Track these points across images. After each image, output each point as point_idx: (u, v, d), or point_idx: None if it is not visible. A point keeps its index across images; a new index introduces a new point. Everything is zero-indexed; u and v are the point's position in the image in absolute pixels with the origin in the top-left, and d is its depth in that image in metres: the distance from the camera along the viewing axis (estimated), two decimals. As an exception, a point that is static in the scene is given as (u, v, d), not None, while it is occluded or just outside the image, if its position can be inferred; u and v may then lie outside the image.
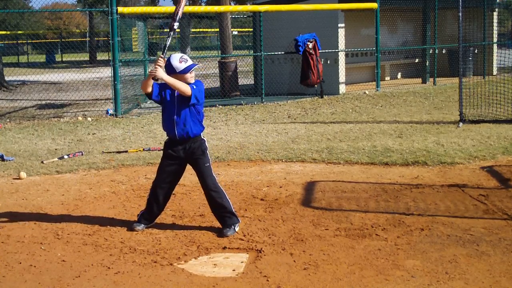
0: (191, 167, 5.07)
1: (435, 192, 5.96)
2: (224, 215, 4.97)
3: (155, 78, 4.77)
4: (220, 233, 4.91)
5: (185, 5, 5.26)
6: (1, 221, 5.41)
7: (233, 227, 4.94)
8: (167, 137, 5.06)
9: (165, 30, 44.15)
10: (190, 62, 4.91)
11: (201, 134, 5.03)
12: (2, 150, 8.62)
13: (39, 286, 4.02)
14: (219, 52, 20.22)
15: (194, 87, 4.85)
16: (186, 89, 4.77)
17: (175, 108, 4.88)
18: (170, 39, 5.05)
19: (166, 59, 4.86)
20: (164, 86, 4.93)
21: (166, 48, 4.97)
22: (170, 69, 4.85)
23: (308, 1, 15.27)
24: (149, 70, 4.83)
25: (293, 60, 15.55)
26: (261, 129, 10.13)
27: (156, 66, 4.75)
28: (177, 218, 5.41)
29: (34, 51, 42.49)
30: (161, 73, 4.75)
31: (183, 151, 4.95)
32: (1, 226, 5.26)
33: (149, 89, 4.85)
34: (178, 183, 5.25)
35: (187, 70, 4.85)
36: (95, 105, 14.76)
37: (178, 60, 4.86)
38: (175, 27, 5.11)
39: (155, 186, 5.10)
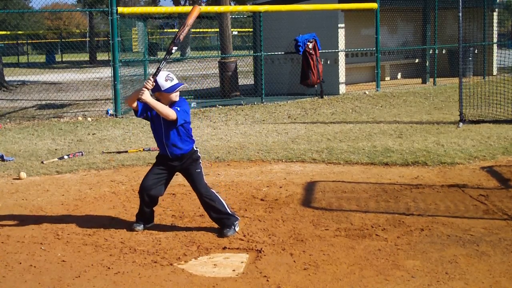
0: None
1: (435, 192, 5.96)
2: (221, 218, 4.96)
3: (140, 100, 4.71)
4: (220, 233, 4.90)
5: (188, 32, 5.12)
6: (1, 221, 5.41)
7: (233, 227, 4.93)
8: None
9: (165, 30, 44.17)
10: (175, 81, 4.83)
11: (194, 147, 5.00)
12: (2, 150, 8.62)
13: (39, 286, 4.02)
14: (219, 52, 20.22)
15: (178, 109, 4.76)
16: (170, 114, 4.70)
17: (163, 129, 4.85)
18: (164, 62, 4.88)
19: (155, 82, 4.74)
20: (151, 109, 4.87)
21: (159, 71, 4.77)
22: (155, 87, 4.76)
23: (308, 1, 15.26)
24: (140, 92, 4.71)
25: (293, 60, 15.55)
26: (261, 129, 10.13)
27: (143, 89, 4.67)
28: (177, 218, 5.41)
29: (34, 51, 42.49)
30: (147, 96, 4.66)
31: (174, 165, 4.97)
32: (1, 226, 5.26)
33: (134, 105, 4.80)
34: (178, 183, 5.25)
35: (172, 89, 4.78)
36: (95, 105, 14.77)
37: (164, 78, 4.77)
38: (173, 51, 4.96)
39: (141, 189, 5.05)
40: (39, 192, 6.48)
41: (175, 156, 4.90)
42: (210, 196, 4.97)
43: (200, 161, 5.03)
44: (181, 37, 4.94)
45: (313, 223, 5.15)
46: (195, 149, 5.01)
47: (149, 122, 5.03)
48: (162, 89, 4.76)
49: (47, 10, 40.93)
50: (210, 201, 4.95)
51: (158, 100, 4.79)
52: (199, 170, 4.98)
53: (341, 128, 9.92)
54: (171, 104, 4.81)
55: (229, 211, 4.99)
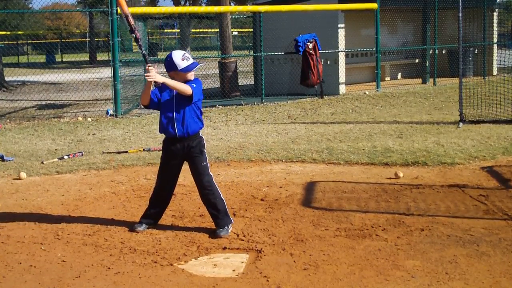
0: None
1: (435, 193, 5.96)
2: (217, 215, 4.96)
3: (156, 84, 4.75)
4: (213, 233, 4.90)
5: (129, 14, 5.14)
6: (1, 221, 5.41)
7: (226, 227, 4.92)
8: (165, 136, 5.04)
9: (165, 30, 44.22)
10: (191, 60, 4.87)
11: (200, 132, 5.01)
12: (2, 151, 8.62)
13: (39, 286, 4.02)
14: (219, 52, 20.22)
15: (194, 85, 4.82)
16: (187, 89, 4.75)
17: (174, 105, 4.86)
18: (143, 49, 4.98)
19: (171, 61, 4.81)
20: (160, 89, 4.91)
21: (147, 58, 4.92)
22: (171, 66, 4.82)
23: (308, 1, 15.27)
24: (147, 78, 4.77)
25: (293, 60, 15.55)
26: (261, 130, 10.13)
27: (151, 74, 4.69)
28: (177, 218, 5.41)
29: (34, 52, 42.50)
30: (160, 77, 4.72)
31: (181, 149, 4.94)
32: (1, 226, 5.26)
33: (147, 101, 4.86)
34: (178, 183, 5.25)
35: (189, 69, 4.82)
36: (95, 105, 14.77)
37: (181, 58, 4.80)
38: (139, 36, 5.03)
39: (158, 186, 5.10)
40: (39, 192, 6.48)
41: (181, 135, 4.85)
42: (212, 189, 4.96)
43: (205, 151, 5.01)
44: (132, 22, 5.04)
45: (313, 223, 5.15)
46: (201, 136, 5.00)
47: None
48: (179, 68, 4.79)
49: (47, 10, 40.95)
50: (210, 195, 4.95)
51: (173, 79, 4.83)
52: (204, 163, 4.97)
53: (341, 128, 9.92)
54: (186, 82, 4.83)
55: (227, 210, 5.01)
